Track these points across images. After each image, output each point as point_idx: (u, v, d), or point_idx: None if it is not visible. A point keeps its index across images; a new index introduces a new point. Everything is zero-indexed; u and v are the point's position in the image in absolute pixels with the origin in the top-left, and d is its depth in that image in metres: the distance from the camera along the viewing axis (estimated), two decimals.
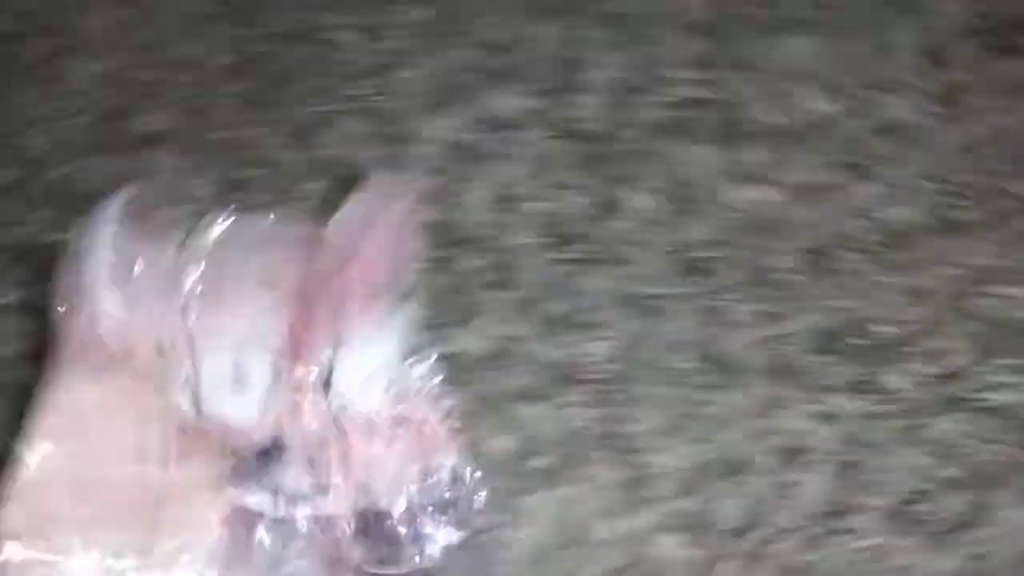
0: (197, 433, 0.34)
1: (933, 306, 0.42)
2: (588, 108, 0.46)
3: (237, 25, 0.49)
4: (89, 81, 0.48)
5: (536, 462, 0.40)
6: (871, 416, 0.41)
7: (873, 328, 0.42)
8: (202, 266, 0.34)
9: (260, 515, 0.33)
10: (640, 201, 0.44)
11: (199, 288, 0.34)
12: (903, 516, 0.39)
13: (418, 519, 0.34)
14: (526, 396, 0.42)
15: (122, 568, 0.32)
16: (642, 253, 0.44)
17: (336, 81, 0.48)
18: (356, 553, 0.34)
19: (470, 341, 0.42)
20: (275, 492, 0.33)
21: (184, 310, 0.34)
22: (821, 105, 0.46)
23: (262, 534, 0.33)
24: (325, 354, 0.34)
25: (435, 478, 0.35)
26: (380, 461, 0.35)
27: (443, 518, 0.34)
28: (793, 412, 0.41)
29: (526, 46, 0.48)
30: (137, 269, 0.34)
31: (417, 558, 0.34)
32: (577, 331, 0.43)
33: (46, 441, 0.32)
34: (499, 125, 0.46)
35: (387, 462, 0.35)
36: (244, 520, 0.33)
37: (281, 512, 0.33)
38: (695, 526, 0.39)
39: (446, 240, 0.44)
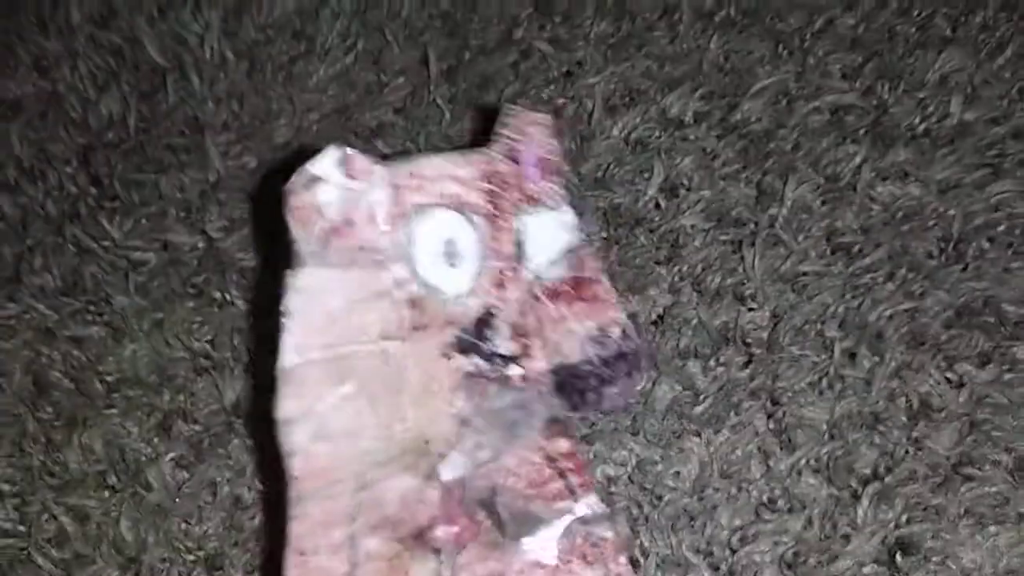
0: (423, 305, 0.37)
1: None
2: (749, 111, 0.53)
3: (447, 37, 0.56)
4: (322, 81, 0.56)
5: (697, 409, 0.47)
6: (998, 383, 0.46)
7: (1003, 307, 0.47)
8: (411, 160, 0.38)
9: (482, 377, 0.38)
10: (794, 191, 0.50)
11: (408, 171, 0.37)
12: None
13: (600, 370, 0.39)
14: (688, 354, 0.48)
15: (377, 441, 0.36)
16: (795, 236, 0.50)
17: (530, 86, 0.54)
18: (556, 404, 0.39)
19: (641, 307, 0.49)
20: (490, 357, 0.38)
21: (396, 188, 0.37)
22: (962, 112, 0.51)
23: (489, 394, 0.38)
24: (517, 223, 0.39)
25: (609, 334, 0.40)
26: (565, 321, 0.39)
27: (620, 368, 0.40)
28: (925, 376, 0.46)
29: (695, 57, 0.54)
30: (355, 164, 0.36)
31: (605, 404, 0.39)
32: (734, 301, 0.49)
33: (298, 328, 0.35)
34: (670, 125, 0.53)
35: (571, 322, 0.40)
36: (471, 384, 0.38)
37: (497, 374, 0.38)
38: (835, 468, 0.45)
39: (621, 221, 0.51)
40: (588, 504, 0.39)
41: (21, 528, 0.48)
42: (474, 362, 0.38)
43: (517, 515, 0.38)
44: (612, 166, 0.52)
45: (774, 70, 0.53)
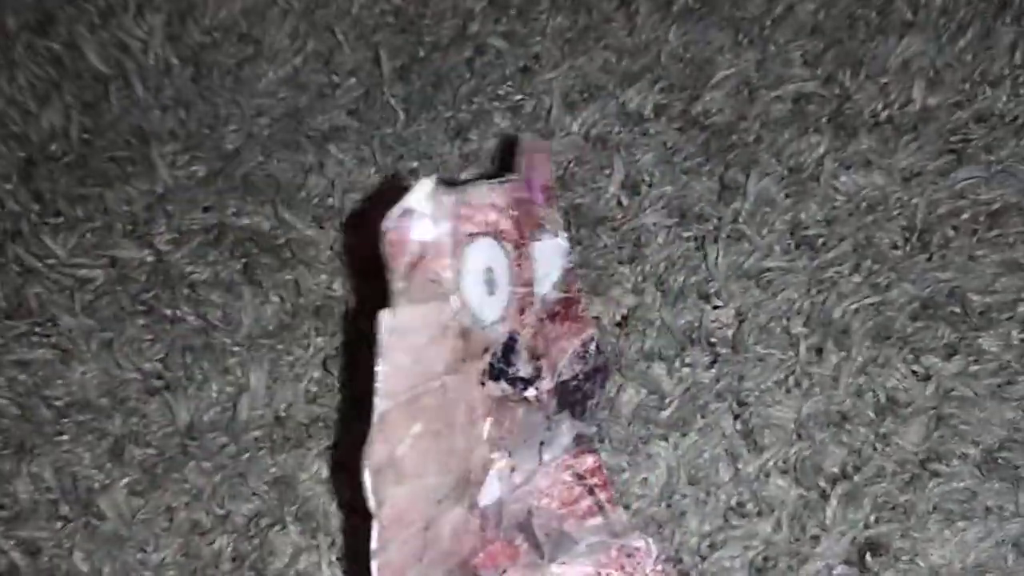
0: (468, 335, 0.36)
1: None
2: (710, 102, 0.51)
3: (399, 34, 0.55)
4: (272, 84, 0.55)
5: (663, 413, 0.46)
6: (964, 375, 0.45)
7: (968, 297, 0.46)
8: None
9: (508, 401, 0.38)
10: (757, 184, 0.49)
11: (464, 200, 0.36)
12: (992, 463, 0.43)
13: (584, 385, 0.42)
14: (653, 356, 0.47)
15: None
16: (758, 230, 0.49)
17: (486, 83, 0.53)
18: (560, 420, 0.41)
19: (604, 308, 0.48)
20: (513, 381, 0.39)
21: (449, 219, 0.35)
22: (924, 97, 0.50)
23: (517, 418, 0.38)
24: (532, 250, 0.39)
25: (589, 349, 0.42)
26: (560, 341, 0.41)
27: (597, 380, 0.42)
28: (892, 371, 0.45)
29: (654, 49, 0.53)
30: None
31: (597, 414, 0.43)
32: (698, 300, 0.48)
33: (390, 370, 0.33)
34: (630, 119, 0.52)
35: (564, 341, 0.41)
36: (501, 409, 0.38)
37: (518, 398, 0.39)
38: (803, 469, 0.45)
39: (583, 221, 0.50)
40: (617, 518, 0.41)
41: None
42: (501, 387, 0.38)
43: (552, 535, 0.39)
44: (572, 164, 0.51)
45: (734, 59, 0.52)
